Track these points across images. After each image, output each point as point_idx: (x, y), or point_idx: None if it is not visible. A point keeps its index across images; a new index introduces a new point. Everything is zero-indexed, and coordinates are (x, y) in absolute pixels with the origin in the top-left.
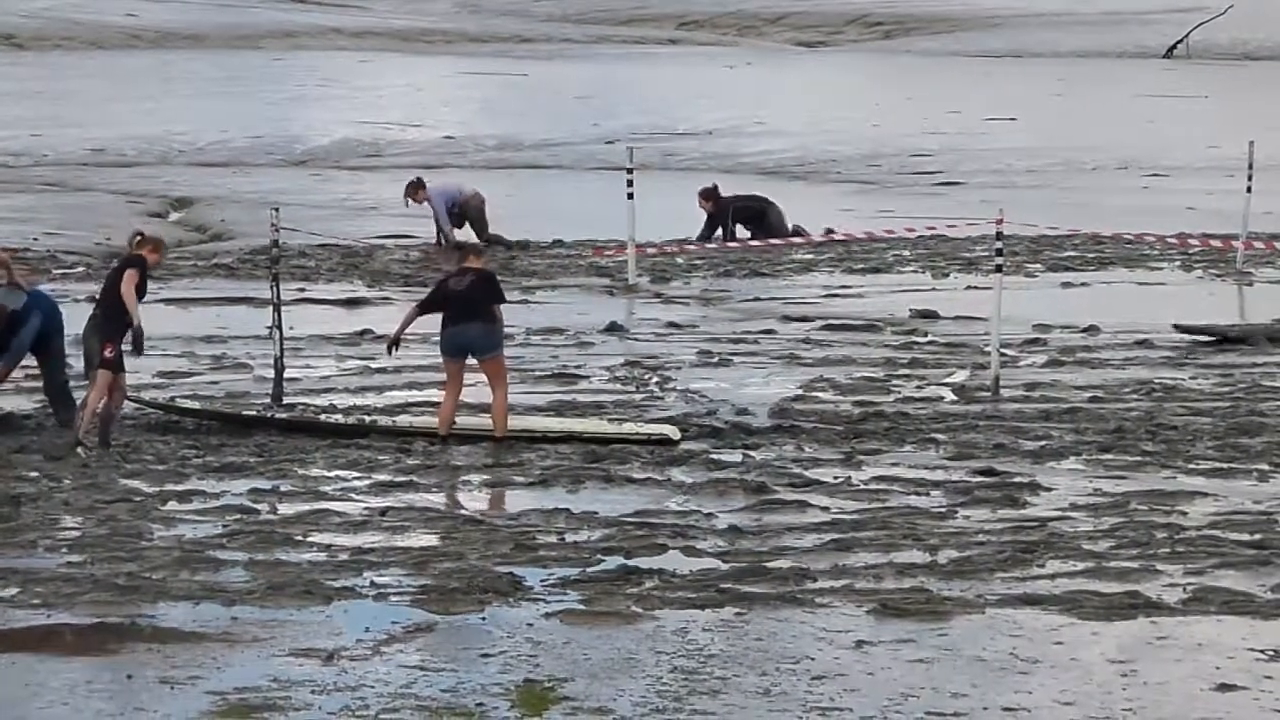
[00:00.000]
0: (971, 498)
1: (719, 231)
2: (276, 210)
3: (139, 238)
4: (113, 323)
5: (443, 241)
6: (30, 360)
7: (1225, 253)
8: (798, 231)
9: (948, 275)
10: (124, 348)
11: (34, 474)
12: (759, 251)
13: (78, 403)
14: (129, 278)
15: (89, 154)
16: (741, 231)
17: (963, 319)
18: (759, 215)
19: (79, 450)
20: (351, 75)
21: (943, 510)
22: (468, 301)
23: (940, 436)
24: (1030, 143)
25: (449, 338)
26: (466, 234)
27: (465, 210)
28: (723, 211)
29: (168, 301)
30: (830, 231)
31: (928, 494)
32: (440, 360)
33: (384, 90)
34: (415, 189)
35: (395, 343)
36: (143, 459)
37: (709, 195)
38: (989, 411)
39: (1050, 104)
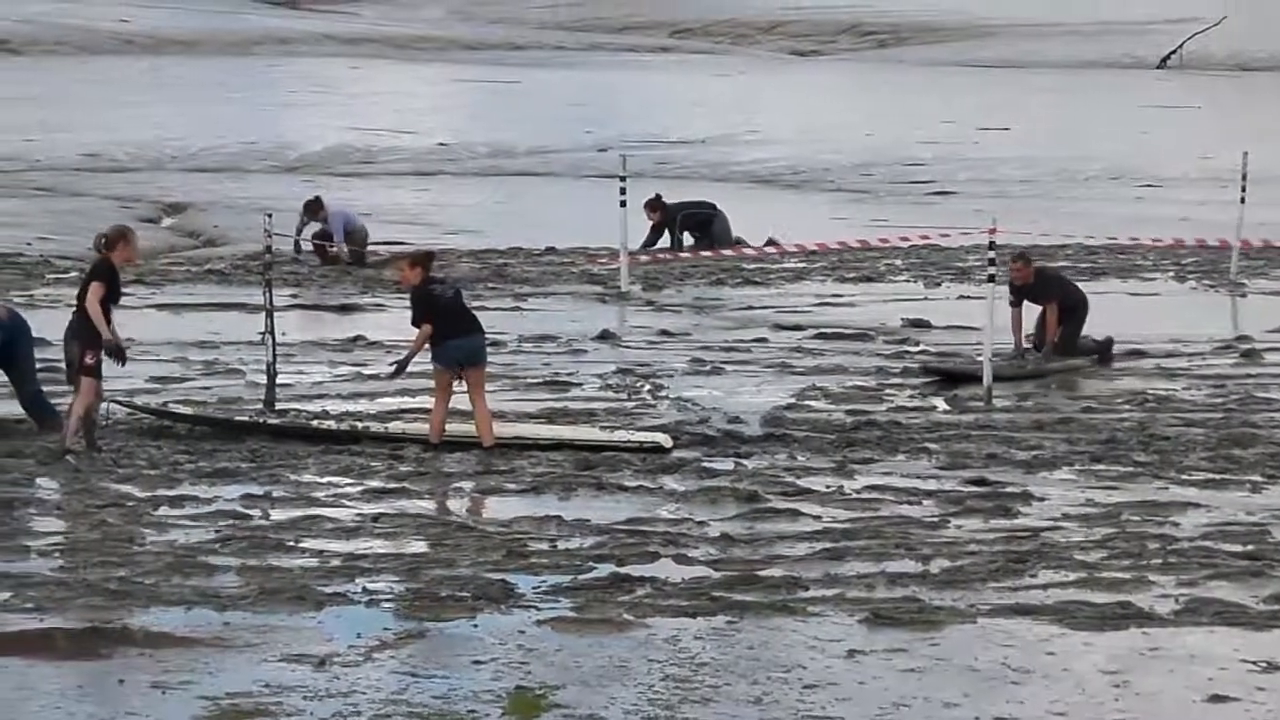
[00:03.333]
0: (964, 507)
1: (664, 239)
2: (269, 216)
3: (103, 239)
4: (90, 329)
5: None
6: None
7: (1223, 251)
8: (740, 243)
9: (940, 284)
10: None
11: (26, 478)
12: (751, 260)
13: (55, 407)
14: (94, 292)
15: (82, 159)
16: (687, 239)
17: (955, 328)
18: (706, 223)
19: (68, 458)
20: (344, 82)
21: (935, 520)
22: (464, 311)
23: (933, 446)
24: (1024, 152)
25: (457, 349)
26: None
27: (351, 238)
28: (670, 219)
29: (160, 307)
30: (771, 242)
31: (920, 503)
32: (430, 369)
33: (376, 97)
34: (316, 208)
35: (404, 368)
36: (135, 464)
37: (655, 205)
38: (981, 421)
39: (1044, 114)
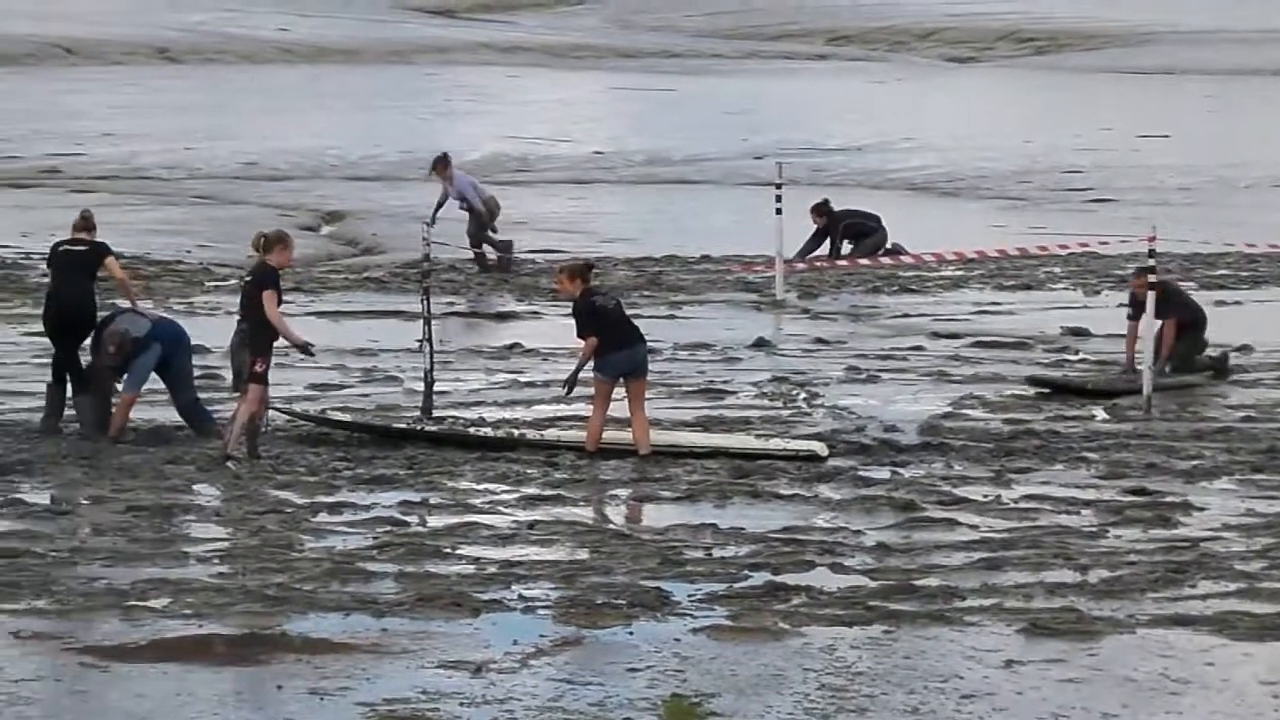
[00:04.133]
0: (1123, 517)
1: (824, 247)
2: (427, 224)
3: (263, 239)
4: (260, 338)
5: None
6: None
7: None
8: (897, 250)
9: (1099, 292)
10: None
11: (185, 485)
12: (908, 268)
13: (211, 413)
14: (270, 300)
15: (241, 167)
16: (845, 247)
17: (1114, 336)
18: (864, 234)
19: (229, 464)
20: (501, 90)
21: (1094, 529)
22: (627, 322)
23: (1091, 455)
24: (1183, 160)
25: (625, 360)
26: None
27: (480, 209)
28: (834, 225)
29: (319, 314)
30: (894, 250)
31: (1078, 513)
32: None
33: (533, 105)
34: (443, 165)
35: (574, 383)
36: (294, 470)
37: (821, 210)
38: (1141, 430)
39: (1203, 121)
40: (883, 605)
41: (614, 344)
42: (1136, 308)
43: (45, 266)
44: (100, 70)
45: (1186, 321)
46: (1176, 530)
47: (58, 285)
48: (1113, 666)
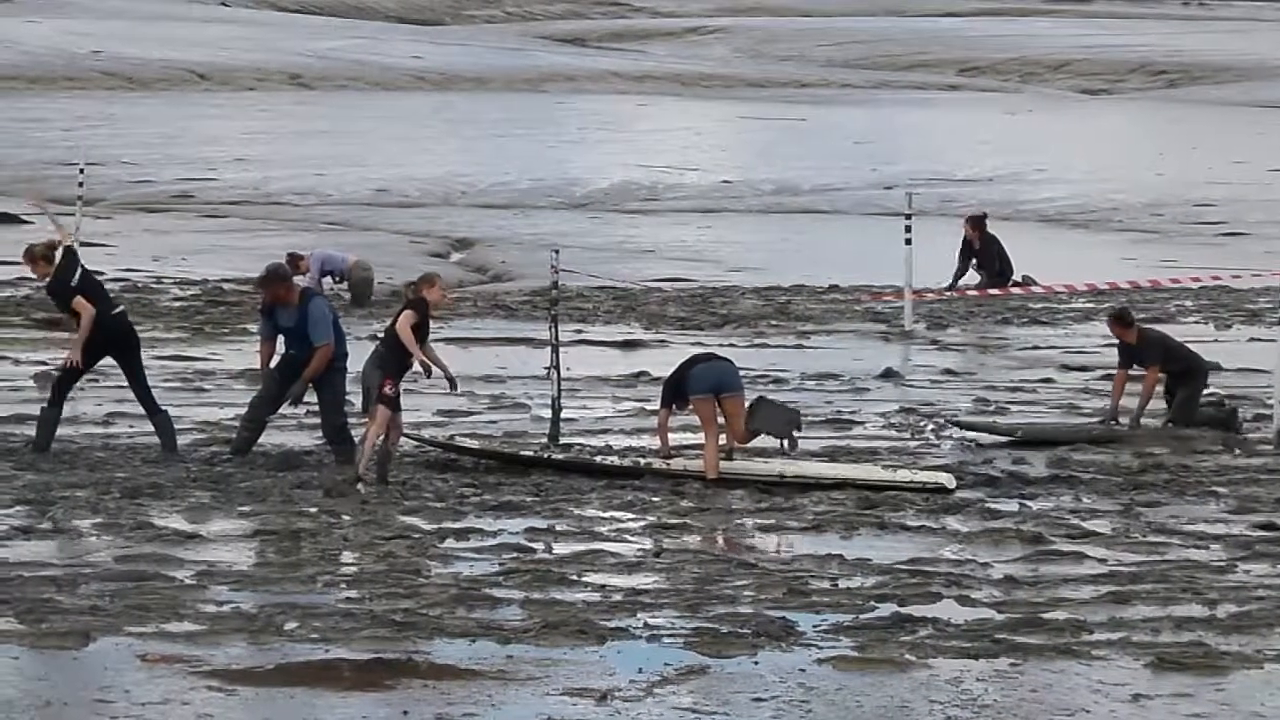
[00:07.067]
0: (1252, 552)
1: (970, 268)
2: (556, 252)
3: (411, 285)
4: (394, 360)
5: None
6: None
7: None
8: (1028, 280)
9: (1230, 326)
10: (402, 386)
11: (314, 510)
12: (1038, 299)
13: (356, 440)
14: (405, 318)
15: (372, 194)
16: (972, 275)
17: (1245, 371)
18: (995, 275)
19: (359, 487)
20: (630, 119)
21: (1222, 564)
22: (704, 350)
23: (1221, 489)
24: None
25: (701, 374)
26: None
27: (348, 278)
28: (985, 245)
29: (448, 341)
30: (1028, 281)
31: (1207, 547)
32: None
33: (662, 134)
34: (295, 261)
35: (668, 453)
36: (421, 496)
37: (976, 224)
38: (1271, 465)
39: None
40: (1009, 638)
41: (694, 361)
42: (1123, 355)
43: (89, 288)
44: (232, 96)
45: (1173, 372)
46: None
47: (109, 308)
48: (1240, 702)
